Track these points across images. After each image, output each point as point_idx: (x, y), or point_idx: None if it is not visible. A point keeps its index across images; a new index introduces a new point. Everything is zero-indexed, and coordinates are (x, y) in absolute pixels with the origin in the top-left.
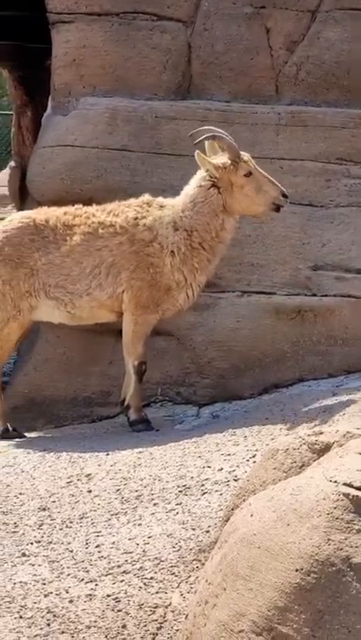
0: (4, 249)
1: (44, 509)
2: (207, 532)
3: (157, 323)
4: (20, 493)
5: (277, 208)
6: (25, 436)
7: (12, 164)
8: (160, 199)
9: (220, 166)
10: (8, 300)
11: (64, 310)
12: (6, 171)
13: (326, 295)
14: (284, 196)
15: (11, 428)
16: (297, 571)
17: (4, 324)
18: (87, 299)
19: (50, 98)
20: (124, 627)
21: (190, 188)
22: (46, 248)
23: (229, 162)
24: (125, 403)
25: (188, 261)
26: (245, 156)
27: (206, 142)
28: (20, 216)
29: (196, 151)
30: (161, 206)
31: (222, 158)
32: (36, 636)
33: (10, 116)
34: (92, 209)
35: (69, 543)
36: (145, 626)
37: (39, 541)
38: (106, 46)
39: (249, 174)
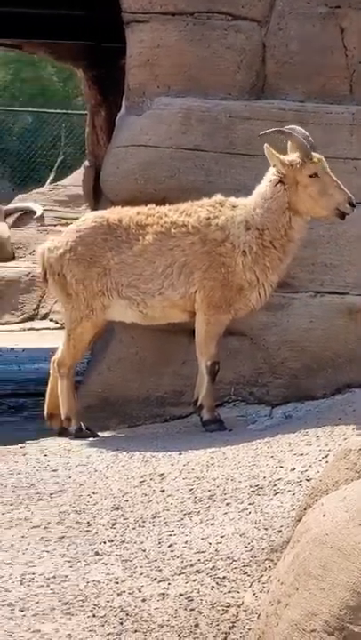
0: (78, 248)
1: (117, 508)
2: (279, 531)
3: (230, 322)
4: (94, 492)
5: (342, 215)
6: (98, 436)
7: (87, 163)
8: (232, 199)
9: (287, 163)
10: (81, 300)
11: (136, 310)
12: (80, 170)
13: None
14: (351, 204)
15: (84, 428)
16: None
17: (77, 323)
18: (159, 298)
19: (124, 98)
20: (196, 625)
21: (261, 186)
22: (119, 247)
23: (298, 160)
24: (198, 402)
25: (259, 261)
26: (317, 157)
27: (289, 143)
28: (94, 216)
29: (265, 145)
30: (233, 206)
31: (292, 156)
32: (108, 634)
33: (84, 115)
34: (165, 209)
35: (142, 542)
36: (217, 625)
37: (112, 540)
38: (180, 46)
39: (315, 175)
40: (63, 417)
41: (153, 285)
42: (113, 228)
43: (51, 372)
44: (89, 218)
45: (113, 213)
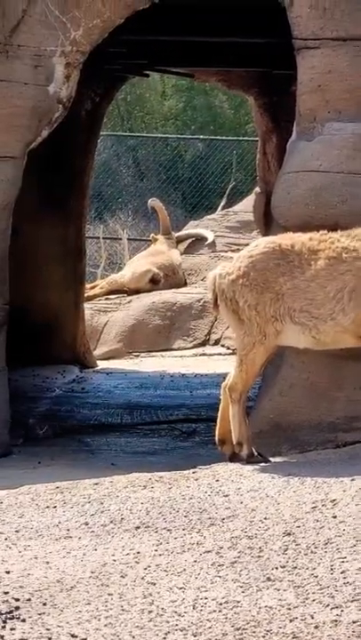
0: (250, 274)
1: (289, 534)
2: None
3: None
4: (265, 518)
5: None
6: (270, 461)
7: (257, 190)
8: None
9: None
10: (254, 325)
11: (309, 335)
12: (251, 197)
13: None
14: None
15: (256, 453)
16: None
17: (249, 348)
18: (331, 323)
19: (295, 123)
20: None
21: None
22: (292, 273)
23: None
24: None
25: None
26: None
27: None
28: (265, 241)
29: None
30: None
31: None
32: None
33: (255, 142)
34: (337, 234)
35: (314, 568)
36: None
37: (284, 566)
38: (351, 71)
39: None
40: (235, 442)
41: (325, 310)
42: (285, 254)
43: (222, 397)
44: (261, 243)
45: (285, 239)
